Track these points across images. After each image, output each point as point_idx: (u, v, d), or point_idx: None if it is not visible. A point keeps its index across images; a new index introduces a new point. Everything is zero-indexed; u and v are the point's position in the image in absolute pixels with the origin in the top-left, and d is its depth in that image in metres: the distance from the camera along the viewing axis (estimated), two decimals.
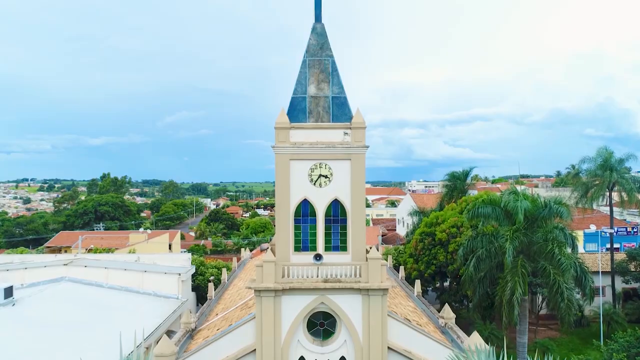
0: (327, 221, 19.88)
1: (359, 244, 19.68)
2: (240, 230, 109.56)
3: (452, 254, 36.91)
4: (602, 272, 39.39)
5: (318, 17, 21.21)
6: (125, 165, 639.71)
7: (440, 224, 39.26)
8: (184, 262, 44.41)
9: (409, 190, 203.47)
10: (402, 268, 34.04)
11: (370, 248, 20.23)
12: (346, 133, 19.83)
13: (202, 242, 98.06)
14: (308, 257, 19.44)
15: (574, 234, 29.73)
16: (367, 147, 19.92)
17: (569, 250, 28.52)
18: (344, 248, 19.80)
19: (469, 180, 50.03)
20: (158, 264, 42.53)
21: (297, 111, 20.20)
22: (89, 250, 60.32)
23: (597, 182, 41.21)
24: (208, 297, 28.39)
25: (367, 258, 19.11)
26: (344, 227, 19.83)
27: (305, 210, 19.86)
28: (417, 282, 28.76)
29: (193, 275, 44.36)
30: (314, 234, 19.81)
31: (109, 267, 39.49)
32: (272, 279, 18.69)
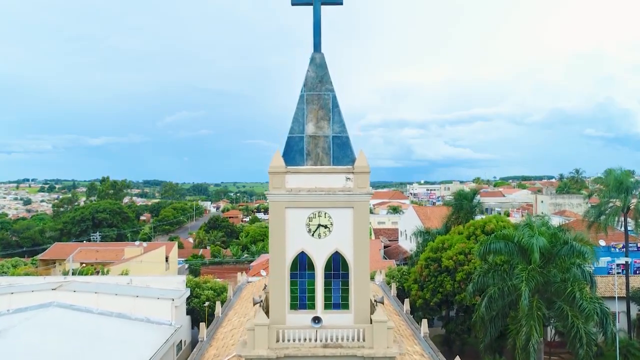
0: (327, 276, 17.85)
1: (363, 302, 17.68)
2: (240, 237, 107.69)
3: (460, 282, 35.04)
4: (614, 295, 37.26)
5: (317, 46, 19.12)
6: (125, 165, 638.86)
7: (446, 250, 37.35)
8: (178, 284, 42.61)
9: (411, 193, 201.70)
10: (407, 301, 32.07)
11: (376, 304, 18.28)
12: (348, 178, 17.84)
13: (201, 251, 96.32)
14: (305, 316, 17.44)
15: (592, 273, 27.78)
16: (372, 193, 17.97)
17: (587, 288, 26.58)
18: (345, 306, 17.81)
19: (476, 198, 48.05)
20: (151, 287, 40.77)
21: (293, 152, 18.19)
22: (83, 266, 58.48)
23: (611, 204, 39.19)
24: (199, 339, 26.45)
25: (371, 320, 17.14)
26: (346, 283, 17.83)
27: (302, 264, 17.86)
28: (424, 322, 26.77)
29: (188, 298, 42.54)
30: (312, 290, 17.81)
31: (100, 291, 37.78)
32: (265, 345, 16.74)
